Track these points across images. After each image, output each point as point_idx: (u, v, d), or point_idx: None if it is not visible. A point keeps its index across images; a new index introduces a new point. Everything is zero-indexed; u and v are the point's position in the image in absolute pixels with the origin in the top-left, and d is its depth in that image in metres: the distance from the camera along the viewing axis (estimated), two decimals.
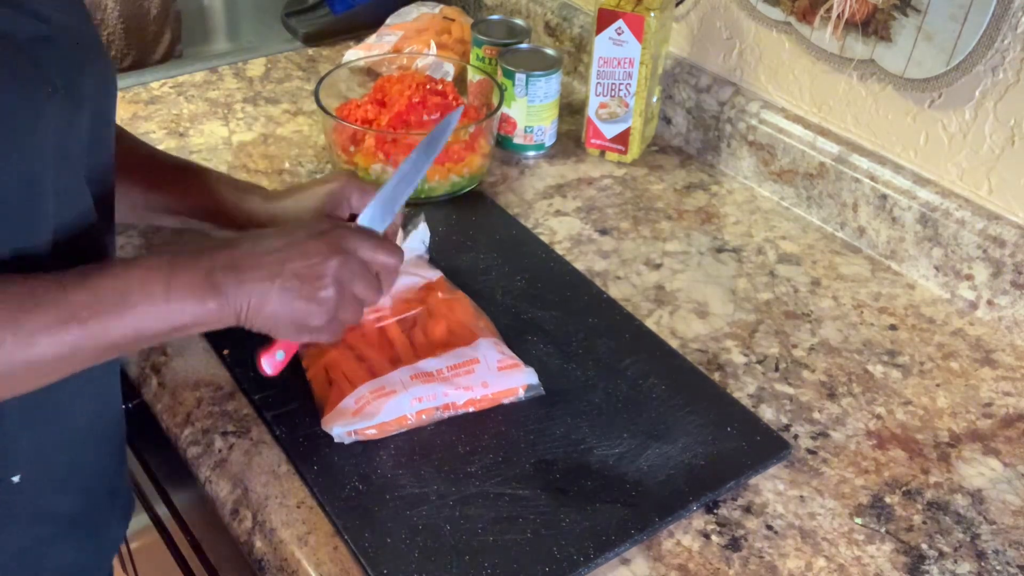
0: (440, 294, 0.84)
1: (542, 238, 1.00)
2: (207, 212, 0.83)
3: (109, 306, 0.58)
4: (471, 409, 0.76)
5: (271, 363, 0.71)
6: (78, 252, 0.63)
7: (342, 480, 0.71)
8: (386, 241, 0.69)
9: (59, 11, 0.60)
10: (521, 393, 0.78)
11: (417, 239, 0.91)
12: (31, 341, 0.55)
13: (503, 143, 1.15)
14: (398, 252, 0.69)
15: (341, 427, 0.73)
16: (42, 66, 0.57)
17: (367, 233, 0.69)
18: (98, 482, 0.75)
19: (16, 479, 0.65)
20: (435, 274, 0.87)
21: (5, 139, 0.55)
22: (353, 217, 0.76)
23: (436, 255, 0.93)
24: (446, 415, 0.76)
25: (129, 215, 0.83)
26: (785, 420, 0.80)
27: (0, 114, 0.55)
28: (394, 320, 0.81)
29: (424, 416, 0.75)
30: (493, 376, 0.77)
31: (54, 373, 0.58)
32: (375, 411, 0.73)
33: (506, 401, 0.77)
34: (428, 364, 0.76)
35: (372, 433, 0.74)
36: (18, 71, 0.56)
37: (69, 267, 0.60)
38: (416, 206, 1.01)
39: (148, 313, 0.59)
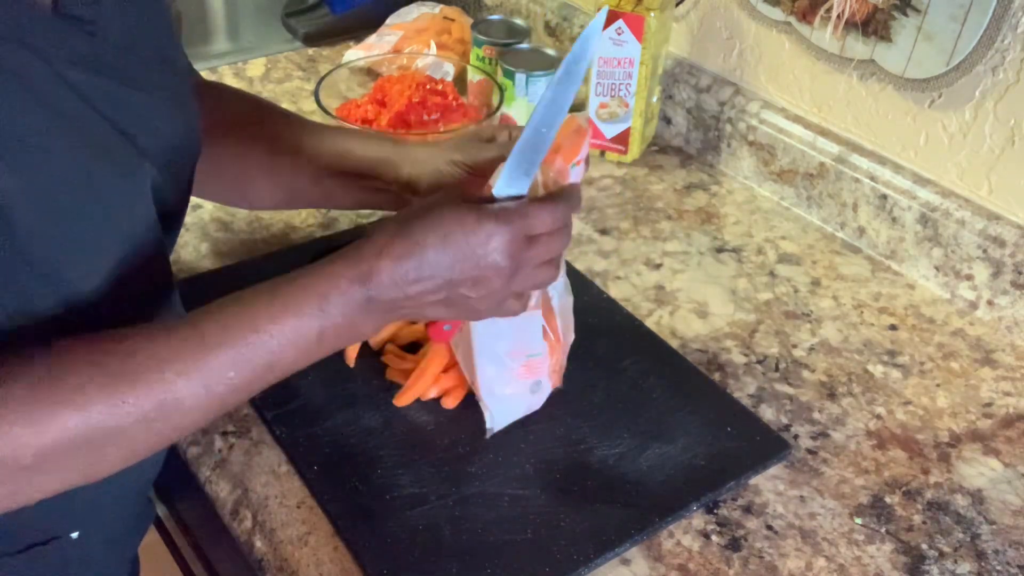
0: None
1: None
2: (335, 162, 0.79)
3: (259, 364, 0.56)
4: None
5: (439, 333, 0.68)
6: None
7: (342, 480, 0.71)
8: (540, 217, 0.61)
9: (156, 71, 0.60)
10: None
11: None
12: (182, 407, 0.54)
13: None
14: (559, 238, 0.62)
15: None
16: (136, 141, 0.57)
17: (523, 225, 0.60)
18: (133, 518, 0.75)
19: (75, 535, 0.65)
20: None
21: (106, 214, 0.55)
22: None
23: None
24: None
25: (242, 192, 0.81)
26: (785, 420, 0.80)
27: (100, 189, 0.54)
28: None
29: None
30: None
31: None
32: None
33: None
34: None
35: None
36: (113, 150, 0.55)
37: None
38: None
39: (301, 359, 0.58)
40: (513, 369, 0.73)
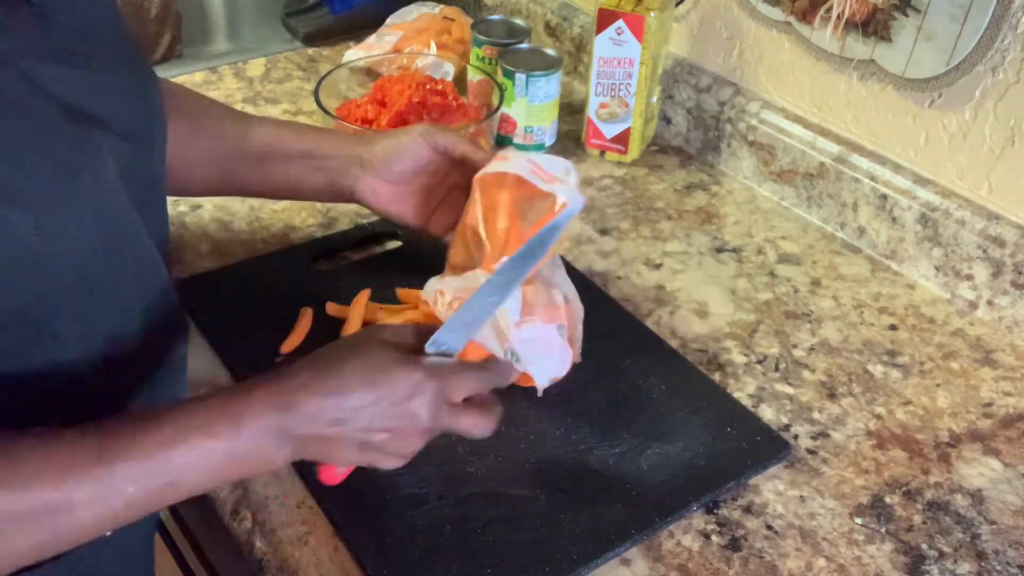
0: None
1: None
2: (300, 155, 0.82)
3: (160, 482, 0.53)
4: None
5: (330, 476, 0.68)
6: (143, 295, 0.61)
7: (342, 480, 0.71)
8: (480, 406, 0.64)
9: (108, 47, 0.60)
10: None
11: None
12: (74, 516, 0.52)
13: (503, 143, 1.15)
14: (489, 415, 0.64)
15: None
16: (88, 114, 0.56)
17: (451, 387, 0.61)
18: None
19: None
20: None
21: (74, 190, 0.54)
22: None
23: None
24: None
25: (210, 181, 0.82)
26: (785, 420, 0.80)
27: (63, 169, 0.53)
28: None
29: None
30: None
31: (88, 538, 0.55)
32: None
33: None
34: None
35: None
36: (64, 129, 0.54)
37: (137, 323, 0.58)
38: None
39: (204, 482, 0.56)
40: (534, 320, 0.73)
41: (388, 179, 0.81)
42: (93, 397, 0.59)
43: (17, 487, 0.50)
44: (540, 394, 0.76)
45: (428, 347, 0.63)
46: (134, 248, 0.61)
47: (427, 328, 0.64)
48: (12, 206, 0.50)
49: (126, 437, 0.53)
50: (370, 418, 0.59)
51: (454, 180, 0.81)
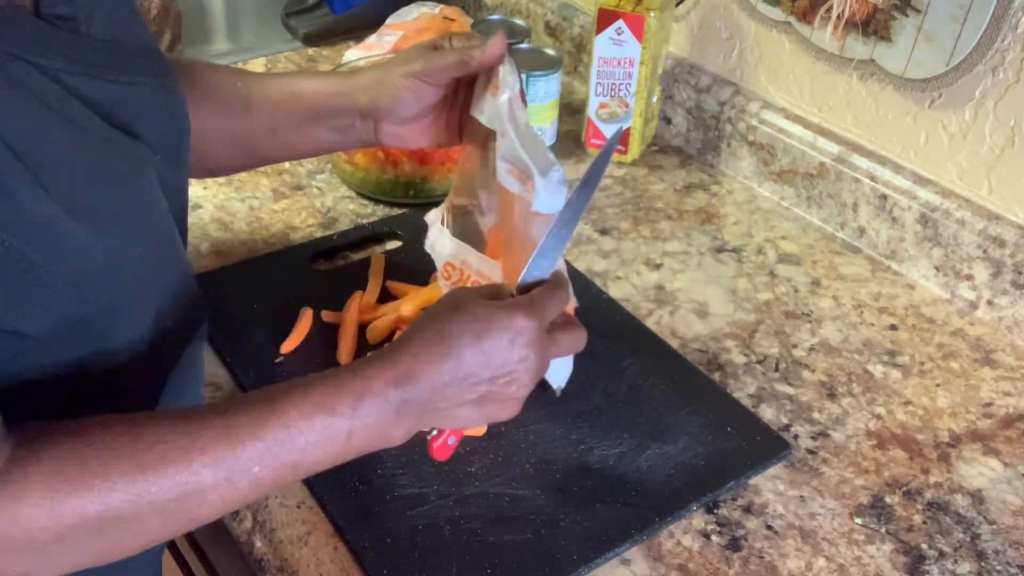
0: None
1: None
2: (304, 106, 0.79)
3: (285, 460, 0.55)
4: None
5: (444, 449, 0.68)
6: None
7: (342, 480, 0.71)
8: (566, 326, 0.64)
9: (140, 59, 0.60)
10: None
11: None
12: (204, 497, 0.53)
13: None
14: (580, 332, 0.66)
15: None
16: (137, 134, 0.57)
17: (544, 327, 0.62)
18: None
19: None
20: None
21: (127, 202, 0.55)
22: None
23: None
24: None
25: (231, 155, 0.81)
26: (785, 420, 0.80)
27: (116, 181, 0.54)
28: None
29: None
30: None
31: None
32: None
33: None
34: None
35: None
36: (123, 148, 0.55)
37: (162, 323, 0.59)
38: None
39: (326, 459, 0.57)
40: None
41: (404, 122, 0.77)
42: (125, 393, 0.60)
43: (150, 470, 0.51)
44: (558, 395, 0.75)
45: (522, 278, 0.64)
46: (173, 258, 0.62)
47: (499, 286, 0.66)
48: (78, 218, 0.51)
49: (251, 418, 0.54)
50: (485, 370, 0.59)
51: (474, 80, 0.76)
